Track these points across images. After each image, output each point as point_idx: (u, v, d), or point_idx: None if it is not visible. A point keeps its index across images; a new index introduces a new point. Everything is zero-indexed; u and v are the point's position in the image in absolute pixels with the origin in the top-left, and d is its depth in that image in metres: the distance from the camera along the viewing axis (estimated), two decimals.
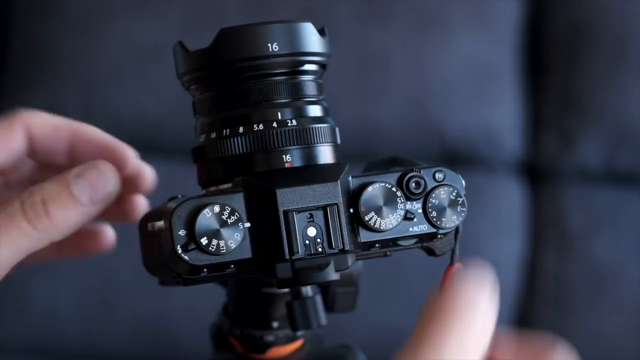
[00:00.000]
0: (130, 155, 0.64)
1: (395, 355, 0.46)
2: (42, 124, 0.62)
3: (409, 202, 0.58)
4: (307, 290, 0.69)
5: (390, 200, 0.57)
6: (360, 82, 1.51)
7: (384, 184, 0.57)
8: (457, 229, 0.60)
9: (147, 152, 0.77)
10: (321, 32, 0.60)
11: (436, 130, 1.51)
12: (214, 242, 0.55)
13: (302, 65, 0.59)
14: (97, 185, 0.60)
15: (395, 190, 0.57)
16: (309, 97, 0.59)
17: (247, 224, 0.56)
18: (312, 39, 0.59)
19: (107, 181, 0.61)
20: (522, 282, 1.51)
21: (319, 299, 0.69)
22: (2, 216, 0.59)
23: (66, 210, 0.59)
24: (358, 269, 0.72)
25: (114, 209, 0.65)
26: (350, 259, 0.57)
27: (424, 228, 0.58)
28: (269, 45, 0.58)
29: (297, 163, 0.58)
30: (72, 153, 0.64)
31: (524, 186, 1.54)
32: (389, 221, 0.57)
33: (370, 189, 0.57)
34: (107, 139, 0.64)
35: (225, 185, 0.58)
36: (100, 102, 1.50)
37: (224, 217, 0.55)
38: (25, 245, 0.59)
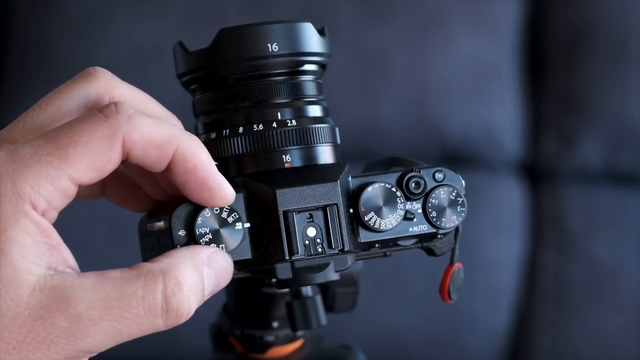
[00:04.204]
0: (229, 200, 0.55)
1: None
2: (144, 144, 0.52)
3: (408, 202, 0.58)
4: (307, 290, 0.69)
5: (390, 200, 0.57)
6: (360, 82, 1.51)
7: (383, 184, 0.57)
8: (457, 229, 0.60)
9: None
10: (321, 32, 0.60)
11: (436, 130, 1.52)
12: (214, 242, 0.55)
13: (302, 65, 0.59)
14: (220, 280, 0.54)
15: (395, 190, 0.57)
16: (308, 97, 0.59)
17: (247, 224, 0.56)
18: (312, 39, 0.59)
19: (228, 277, 0.55)
20: (522, 282, 1.51)
21: (319, 299, 0.69)
22: (139, 304, 0.51)
23: (197, 305, 0.53)
24: (358, 269, 0.72)
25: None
26: (350, 259, 0.57)
27: (423, 228, 0.58)
28: (269, 45, 0.58)
29: (297, 163, 0.58)
30: (168, 171, 0.54)
31: (524, 186, 1.54)
32: (389, 221, 0.57)
33: (370, 189, 0.57)
34: (210, 175, 0.54)
35: None
36: None
37: (224, 217, 0.55)
38: (137, 334, 0.52)
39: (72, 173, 0.51)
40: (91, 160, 0.51)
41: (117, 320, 0.51)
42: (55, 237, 0.52)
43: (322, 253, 0.56)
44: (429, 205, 0.58)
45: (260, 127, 0.58)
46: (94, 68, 0.56)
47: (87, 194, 0.59)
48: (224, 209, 0.55)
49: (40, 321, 0.50)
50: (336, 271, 0.57)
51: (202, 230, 0.55)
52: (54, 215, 0.52)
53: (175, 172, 0.54)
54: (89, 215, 1.47)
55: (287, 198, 0.56)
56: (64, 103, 0.55)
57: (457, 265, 0.63)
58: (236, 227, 0.55)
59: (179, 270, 0.52)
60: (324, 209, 0.56)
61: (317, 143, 0.58)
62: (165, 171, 0.54)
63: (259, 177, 0.57)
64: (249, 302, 0.72)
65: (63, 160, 0.51)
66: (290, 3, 1.51)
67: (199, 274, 0.53)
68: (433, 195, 0.58)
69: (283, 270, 0.56)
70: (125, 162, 0.53)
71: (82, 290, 0.50)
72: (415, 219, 0.58)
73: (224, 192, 0.55)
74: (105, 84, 0.56)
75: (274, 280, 0.56)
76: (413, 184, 0.58)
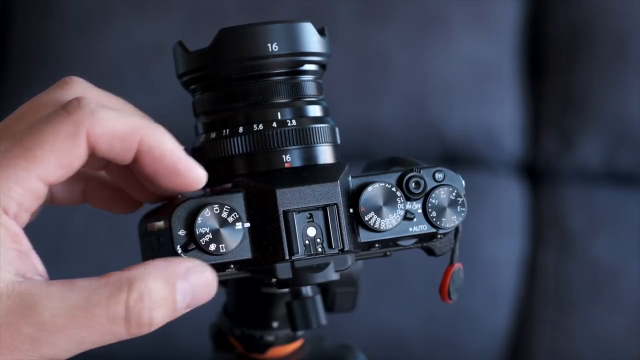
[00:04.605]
0: (202, 181, 0.55)
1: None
2: (108, 137, 0.53)
3: (408, 202, 0.58)
4: (307, 290, 0.69)
5: (390, 200, 0.57)
6: (360, 82, 1.51)
7: (383, 184, 0.57)
8: (457, 229, 0.60)
9: None
10: (321, 32, 0.60)
11: (436, 130, 1.52)
12: (214, 242, 0.55)
13: (302, 65, 0.59)
14: (198, 295, 0.54)
15: (395, 190, 0.57)
16: (308, 97, 0.59)
17: (247, 224, 0.56)
18: (312, 39, 0.59)
19: (209, 293, 0.54)
20: (522, 282, 1.51)
21: (319, 299, 0.69)
22: (102, 313, 0.51)
23: (165, 317, 0.52)
24: (358, 269, 0.72)
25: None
26: (350, 259, 0.57)
27: (423, 228, 0.58)
28: (269, 45, 0.58)
29: (297, 163, 0.58)
30: (137, 162, 0.54)
31: (524, 186, 1.54)
32: (389, 221, 0.57)
33: (370, 189, 0.57)
34: (178, 160, 0.54)
35: (225, 185, 0.58)
36: None
37: (224, 217, 0.55)
38: (100, 342, 0.52)
39: (41, 173, 0.52)
40: (58, 159, 0.52)
41: (80, 328, 0.51)
42: (25, 243, 0.52)
43: (322, 253, 0.56)
44: (429, 205, 0.58)
45: (260, 127, 0.58)
46: (70, 77, 0.57)
47: (68, 200, 0.60)
48: (224, 209, 0.55)
49: (6, 327, 0.50)
50: (336, 271, 0.57)
51: (202, 230, 0.55)
52: (25, 217, 0.52)
53: (143, 163, 0.54)
54: (89, 215, 1.47)
55: (287, 198, 0.56)
56: (40, 111, 0.55)
57: (457, 265, 0.62)
58: (236, 227, 0.55)
59: (145, 282, 0.52)
60: (324, 208, 0.56)
61: (317, 143, 0.58)
62: (135, 163, 0.54)
63: (259, 177, 0.57)
64: (249, 302, 0.72)
65: (30, 161, 0.51)
66: (290, 3, 1.51)
67: (169, 287, 0.52)
68: (433, 195, 0.58)
69: (283, 270, 0.56)
70: (108, 166, 0.53)
71: (48, 297, 0.51)
72: (415, 219, 0.58)
73: (195, 174, 0.55)
74: (80, 92, 0.56)
75: (274, 280, 0.56)
76: (413, 183, 0.58)
